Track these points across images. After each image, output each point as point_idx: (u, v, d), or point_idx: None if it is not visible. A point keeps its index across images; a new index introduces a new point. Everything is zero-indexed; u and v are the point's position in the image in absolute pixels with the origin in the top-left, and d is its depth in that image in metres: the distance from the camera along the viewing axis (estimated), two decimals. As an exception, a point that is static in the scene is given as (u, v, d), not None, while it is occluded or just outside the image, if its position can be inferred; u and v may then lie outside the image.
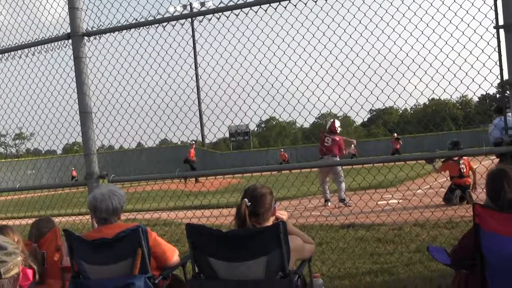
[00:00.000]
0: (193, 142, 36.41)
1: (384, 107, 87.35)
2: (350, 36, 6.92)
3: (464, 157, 14.35)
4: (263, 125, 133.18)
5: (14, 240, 5.09)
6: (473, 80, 6.37)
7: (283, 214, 5.07)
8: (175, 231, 12.32)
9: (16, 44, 8.47)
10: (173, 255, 5.50)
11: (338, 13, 6.86)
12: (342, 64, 7.06)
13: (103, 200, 5.32)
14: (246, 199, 4.71)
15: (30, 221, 6.80)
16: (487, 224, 4.22)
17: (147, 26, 7.58)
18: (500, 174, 4.51)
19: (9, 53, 8.57)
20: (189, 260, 5.07)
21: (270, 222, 4.82)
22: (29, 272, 4.27)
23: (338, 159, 16.53)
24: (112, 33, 7.85)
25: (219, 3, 7.12)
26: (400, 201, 14.11)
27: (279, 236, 4.31)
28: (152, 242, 5.22)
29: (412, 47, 6.68)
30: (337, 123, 17.17)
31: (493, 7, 6.02)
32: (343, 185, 16.41)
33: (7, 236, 4.93)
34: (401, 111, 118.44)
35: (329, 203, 16.55)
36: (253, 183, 5.11)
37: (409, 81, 6.84)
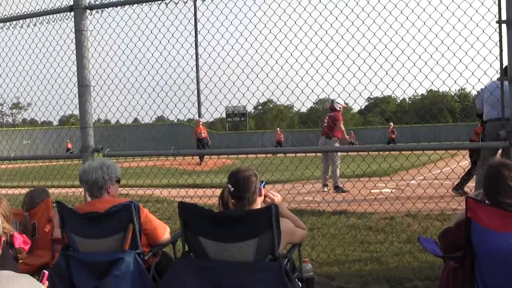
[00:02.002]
0: (200, 120, 36.04)
1: (382, 95, 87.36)
2: (352, 23, 6.91)
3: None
4: (260, 107, 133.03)
5: (4, 209, 5.09)
6: (472, 73, 6.39)
7: (275, 195, 5.06)
8: (167, 209, 12.33)
9: (18, 14, 8.45)
10: (164, 233, 5.52)
11: (341, -1, 6.85)
12: (342, 50, 7.06)
13: (87, 172, 5.37)
14: (229, 185, 4.71)
15: (24, 191, 6.81)
16: (479, 218, 4.22)
17: (150, 3, 7.57)
18: (499, 171, 4.46)
19: (11, 22, 8.56)
20: (180, 238, 5.09)
21: (258, 204, 4.82)
22: (25, 237, 4.30)
23: (337, 142, 16.50)
24: (114, 8, 7.83)
25: (223, -17, 7.12)
26: (393, 190, 14.12)
27: (271, 219, 4.31)
28: (144, 219, 5.24)
29: (413, 37, 6.69)
30: (338, 101, 16.90)
31: (496, 2, 6.02)
32: (338, 171, 16.36)
33: None
34: (399, 101, 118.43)
35: (326, 189, 16.51)
36: (238, 166, 5.10)
37: (409, 71, 6.84)
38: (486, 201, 4.42)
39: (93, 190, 5.40)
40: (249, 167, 4.98)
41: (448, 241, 4.77)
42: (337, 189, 16.14)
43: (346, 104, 17.72)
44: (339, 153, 16.31)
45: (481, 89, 10.33)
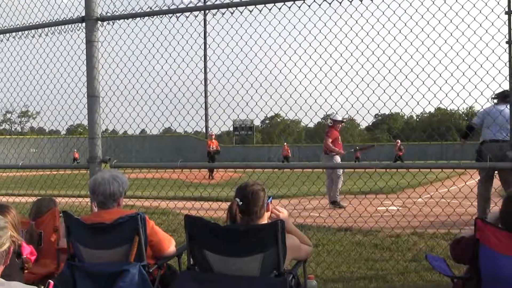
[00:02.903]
0: (212, 133, 35.99)
1: (390, 112, 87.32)
2: (362, 41, 6.93)
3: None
4: (267, 121, 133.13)
5: (13, 219, 5.12)
6: (481, 93, 6.39)
7: (281, 211, 5.06)
8: (172, 221, 12.32)
9: (31, 24, 8.50)
10: (170, 245, 5.51)
11: (351, 16, 6.88)
12: (351, 67, 7.08)
13: (102, 184, 5.34)
14: (237, 199, 4.71)
15: (30, 199, 6.82)
16: (488, 241, 4.19)
17: (161, 16, 7.61)
18: None
19: (23, 32, 8.61)
20: (185, 251, 5.09)
21: (265, 218, 4.82)
22: (32, 248, 4.32)
23: (337, 158, 16.44)
24: (125, 20, 7.87)
25: (234, -2, 7.15)
26: (400, 208, 14.08)
27: (276, 234, 4.32)
28: (150, 231, 5.24)
29: (422, 56, 6.71)
30: (335, 117, 16.71)
31: (506, 22, 6.03)
32: (339, 183, 16.18)
33: (5, 215, 4.95)
34: (406, 118, 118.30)
35: (334, 206, 16.39)
36: (247, 180, 5.10)
37: (418, 90, 6.85)
38: (499, 225, 4.38)
39: (107, 202, 5.38)
40: (257, 182, 4.97)
41: (457, 253, 4.74)
42: (334, 204, 16.00)
43: (343, 119, 17.51)
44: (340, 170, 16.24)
45: (482, 111, 10.42)
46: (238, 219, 4.68)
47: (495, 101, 10.38)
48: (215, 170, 30.66)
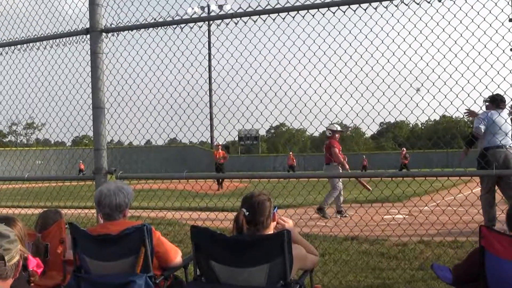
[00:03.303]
0: (219, 144, 35.88)
1: (395, 121, 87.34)
2: (366, 49, 6.93)
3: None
4: (272, 131, 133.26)
5: (20, 231, 5.13)
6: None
7: (286, 222, 5.05)
8: (178, 232, 12.33)
9: (35, 36, 8.53)
10: (176, 256, 5.51)
11: (355, 25, 6.88)
12: (356, 76, 7.07)
13: (107, 196, 5.34)
14: (243, 209, 4.70)
15: (36, 211, 6.83)
16: (493, 248, 4.16)
17: (165, 26, 7.63)
18: None
19: (27, 44, 8.63)
20: (191, 262, 5.09)
21: (271, 229, 4.82)
22: (39, 260, 4.33)
23: (338, 167, 16.41)
24: (130, 31, 7.89)
25: (238, 8, 7.17)
26: (406, 217, 14.06)
27: (283, 244, 4.31)
28: (156, 241, 5.24)
29: (427, 64, 6.70)
30: (330, 127, 16.73)
31: (511, 30, 6.02)
32: (334, 194, 16.14)
33: (12, 227, 4.96)
34: (411, 126, 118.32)
35: (339, 215, 16.37)
36: (252, 190, 5.10)
37: (422, 98, 6.84)
38: (508, 233, 4.36)
39: (113, 213, 5.38)
40: (263, 191, 4.97)
41: (460, 272, 4.73)
42: (320, 211, 15.92)
43: (342, 129, 17.51)
44: (338, 180, 16.19)
45: (483, 112, 10.38)
46: (245, 229, 4.67)
47: (487, 104, 10.40)
48: (223, 180, 30.62)
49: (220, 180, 30.59)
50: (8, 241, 3.46)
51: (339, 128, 16.94)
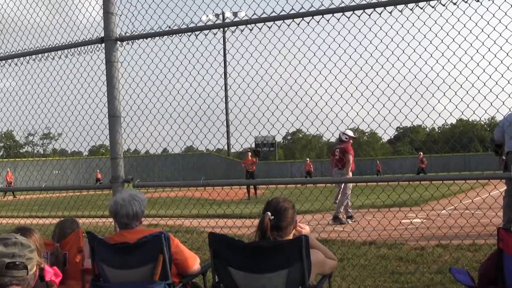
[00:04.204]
0: (248, 151, 35.49)
1: (411, 125, 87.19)
2: (382, 54, 6.90)
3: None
4: (289, 137, 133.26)
5: (37, 241, 5.17)
6: (503, 103, 6.35)
7: (303, 228, 5.06)
8: (196, 239, 12.34)
9: (50, 46, 8.56)
10: (194, 263, 5.52)
11: (370, 30, 6.86)
12: (372, 81, 7.05)
13: (123, 206, 5.35)
14: (269, 213, 4.71)
15: (54, 220, 6.85)
16: (510, 249, 4.14)
17: (180, 34, 7.63)
18: None
19: (43, 54, 8.66)
20: (210, 268, 5.09)
21: (291, 235, 4.82)
22: (56, 269, 4.35)
23: (349, 173, 16.38)
24: (144, 39, 7.91)
25: (252, 15, 7.17)
26: (424, 220, 14.03)
27: (301, 250, 4.31)
28: (174, 249, 5.24)
29: (443, 67, 6.66)
30: (346, 132, 16.78)
31: (527, 30, 5.99)
32: (347, 202, 16.18)
33: (29, 238, 4.98)
34: (428, 130, 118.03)
35: (351, 220, 16.34)
36: (276, 196, 5.11)
37: (439, 101, 6.81)
38: None
39: (131, 222, 5.39)
40: (287, 198, 4.99)
41: (481, 273, 4.70)
42: (336, 220, 15.93)
43: (355, 135, 17.52)
44: (350, 185, 16.17)
45: (502, 120, 10.31)
46: (268, 233, 4.67)
47: None
48: (251, 186, 30.41)
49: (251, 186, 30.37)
50: (30, 250, 3.50)
51: (354, 135, 16.95)
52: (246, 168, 33.76)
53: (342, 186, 16.03)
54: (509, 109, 6.67)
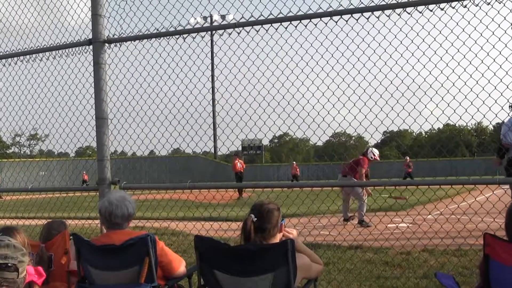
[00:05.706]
0: (236, 155, 35.78)
1: (398, 129, 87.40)
2: (369, 58, 6.92)
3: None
4: (276, 140, 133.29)
5: (22, 241, 5.15)
6: (489, 108, 6.38)
7: (291, 232, 5.06)
8: (182, 242, 12.33)
9: (38, 47, 8.54)
10: (180, 266, 5.52)
11: (358, 34, 6.88)
12: (359, 85, 7.06)
13: (119, 206, 5.34)
14: (252, 215, 4.72)
15: (40, 222, 6.82)
16: (497, 255, 4.14)
17: (168, 37, 7.63)
18: None
19: (30, 56, 8.64)
20: (195, 271, 5.09)
21: (277, 239, 4.83)
22: (41, 269, 4.33)
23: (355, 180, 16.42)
24: (132, 42, 7.89)
25: (240, 18, 7.17)
26: (410, 225, 14.07)
27: (286, 253, 4.32)
28: (160, 251, 5.24)
29: (430, 73, 6.68)
30: (374, 151, 16.84)
31: (514, 37, 6.02)
32: (364, 206, 16.20)
33: (14, 237, 4.97)
34: (415, 135, 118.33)
35: (348, 222, 16.40)
36: (261, 199, 5.12)
37: (426, 106, 6.84)
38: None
39: (123, 223, 5.39)
40: (272, 201, 5.00)
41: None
42: (361, 223, 15.93)
43: (380, 156, 17.57)
44: (362, 190, 16.21)
45: (510, 119, 10.20)
46: (252, 236, 4.68)
47: None
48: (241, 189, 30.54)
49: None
50: (22, 253, 3.51)
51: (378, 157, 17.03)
52: (237, 171, 34.02)
53: (355, 193, 16.14)
54: (495, 115, 6.69)
